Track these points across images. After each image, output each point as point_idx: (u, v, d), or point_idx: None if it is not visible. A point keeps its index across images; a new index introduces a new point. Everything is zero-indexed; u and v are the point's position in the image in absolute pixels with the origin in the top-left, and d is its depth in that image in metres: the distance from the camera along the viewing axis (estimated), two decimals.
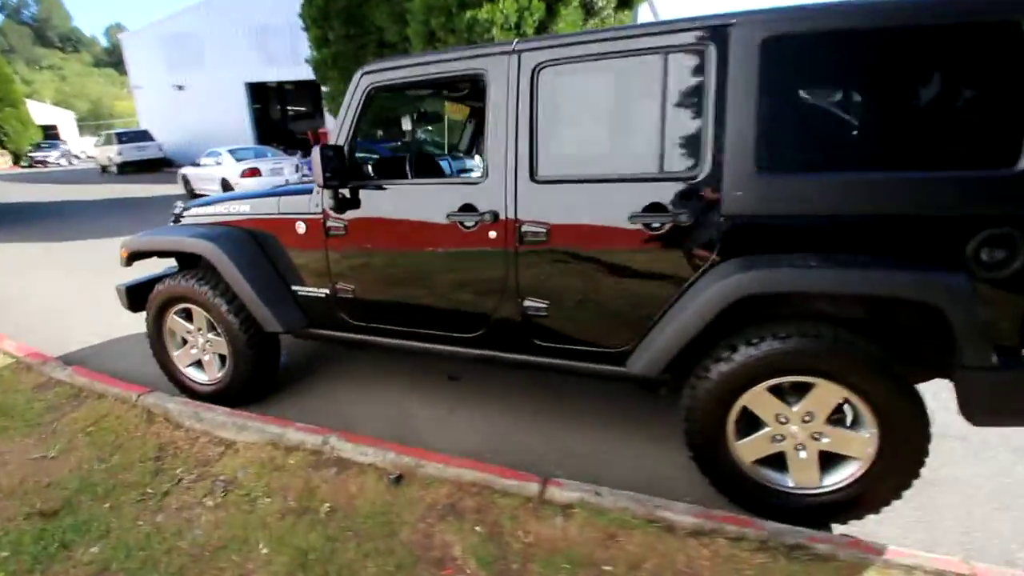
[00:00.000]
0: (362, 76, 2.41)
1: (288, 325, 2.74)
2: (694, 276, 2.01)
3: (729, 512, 2.01)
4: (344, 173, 2.41)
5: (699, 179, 1.94)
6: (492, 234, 2.25)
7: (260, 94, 22.94)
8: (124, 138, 21.10)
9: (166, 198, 13.00)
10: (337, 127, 2.46)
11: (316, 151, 2.29)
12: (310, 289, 2.73)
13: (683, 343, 1.99)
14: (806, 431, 1.99)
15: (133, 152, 20.78)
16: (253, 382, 2.91)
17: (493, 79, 2.18)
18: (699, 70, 1.90)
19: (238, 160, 12.22)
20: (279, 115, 26.39)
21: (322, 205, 2.57)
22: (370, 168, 2.67)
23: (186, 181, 13.38)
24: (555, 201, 2.15)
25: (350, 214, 2.51)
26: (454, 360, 2.57)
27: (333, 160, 2.33)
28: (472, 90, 3.02)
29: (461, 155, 3.85)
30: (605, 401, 2.99)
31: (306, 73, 16.11)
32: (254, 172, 11.64)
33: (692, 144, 1.95)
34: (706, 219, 1.95)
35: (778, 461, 2.07)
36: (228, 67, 21.05)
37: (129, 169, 20.65)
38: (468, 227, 2.28)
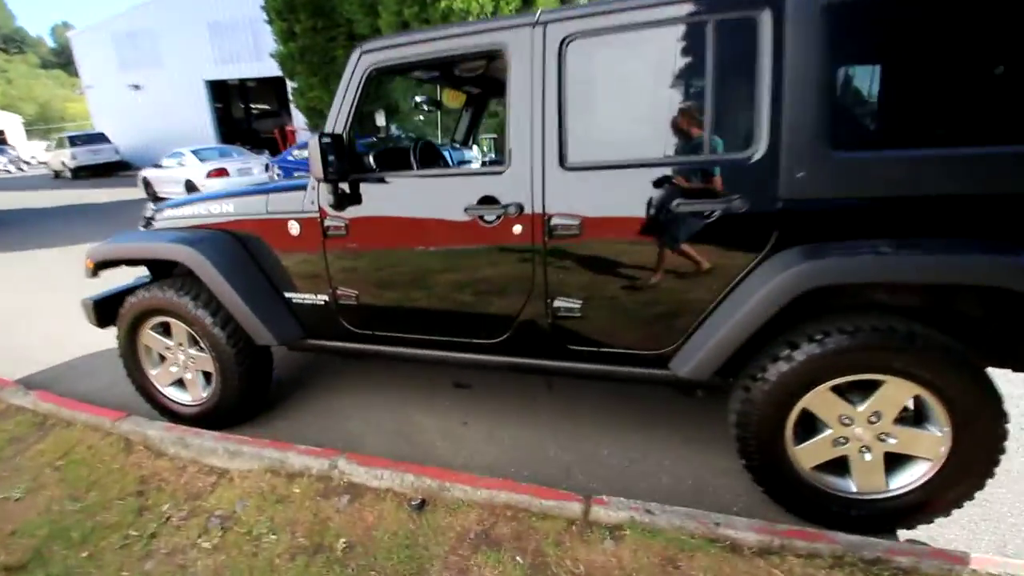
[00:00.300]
0: (361, 55, 2.14)
1: (282, 337, 2.47)
2: (747, 268, 1.83)
3: (793, 525, 1.84)
4: (344, 166, 2.14)
5: (754, 160, 1.75)
6: (517, 229, 2.02)
7: (221, 92, 22.06)
8: (77, 141, 20.00)
9: (125, 203, 12.31)
10: (333, 114, 2.19)
11: (313, 141, 2.02)
12: (306, 296, 2.45)
13: (739, 342, 1.81)
14: (872, 432, 1.83)
15: (88, 156, 19.71)
16: (243, 401, 2.63)
17: (515, 55, 1.94)
18: (752, 38, 1.71)
19: (203, 160, 11.64)
20: (242, 114, 25.47)
21: (318, 202, 2.30)
22: (371, 160, 2.41)
23: (147, 184, 12.71)
24: (588, 190, 1.94)
25: (352, 211, 2.25)
26: (472, 369, 2.34)
27: (332, 151, 2.07)
28: (485, 71, 2.75)
29: (458, 146, 3.60)
30: (627, 404, 2.80)
31: (270, 69, 15.56)
32: (221, 172, 11.09)
33: (745, 121, 1.76)
34: (762, 204, 1.76)
35: (838, 465, 1.92)
36: (187, 65, 20.16)
37: (84, 174, 19.60)
38: (489, 222, 2.05)
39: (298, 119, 15.62)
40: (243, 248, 2.49)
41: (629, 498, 1.98)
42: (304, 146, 10.10)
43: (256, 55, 18.19)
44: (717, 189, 1.80)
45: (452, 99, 3.30)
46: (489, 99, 3.61)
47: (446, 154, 3.28)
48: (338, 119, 2.18)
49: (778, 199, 1.75)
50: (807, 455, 1.90)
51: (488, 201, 2.04)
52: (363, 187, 2.22)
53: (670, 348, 2.01)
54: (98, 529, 2.02)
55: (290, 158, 10.48)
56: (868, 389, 1.80)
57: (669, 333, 1.99)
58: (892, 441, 1.82)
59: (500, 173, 2.03)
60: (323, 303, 2.42)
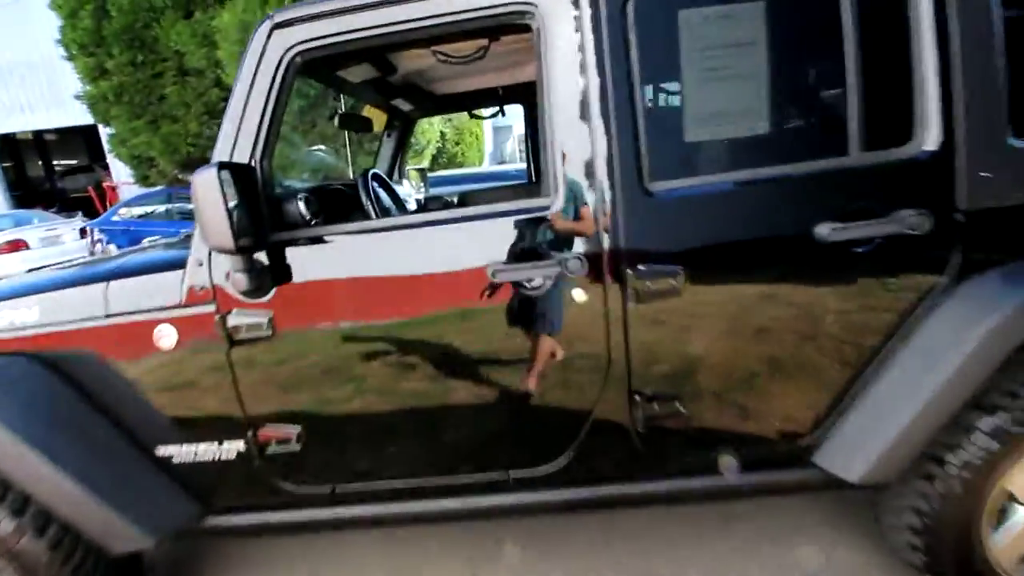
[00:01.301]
0: (272, 31, 1.24)
1: (160, 525, 1.40)
2: (922, 310, 1.27)
3: None
4: (262, 220, 1.22)
5: (920, 159, 1.21)
6: (577, 295, 1.27)
7: (11, 149, 18.13)
8: None
9: None
10: (228, 135, 1.26)
11: (204, 177, 1.07)
12: (201, 448, 1.42)
13: (945, 418, 1.23)
14: None
15: None
16: None
17: (551, 22, 1.21)
18: None
19: None
20: (42, 172, 21.20)
21: (212, 286, 1.32)
22: (302, 206, 1.46)
23: None
24: (685, 222, 1.26)
25: (280, 297, 1.31)
26: (512, 516, 1.50)
27: (239, 196, 1.14)
28: (485, 53, 1.82)
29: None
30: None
31: (74, 117, 12.90)
32: (17, 245, 8.64)
33: (904, 104, 1.22)
34: (939, 219, 1.22)
35: None
36: None
37: None
38: (532, 288, 1.27)
39: (119, 172, 13.11)
40: (64, 382, 1.40)
41: None
42: (134, 202, 8.24)
43: (54, 101, 15.11)
44: (879, 203, 1.23)
45: (376, 118, 2.45)
46: (420, 118, 2.82)
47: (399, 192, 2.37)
48: (239, 141, 1.25)
49: (958, 210, 1.23)
50: (1008, 545, 1.38)
51: (528, 255, 1.26)
52: (297, 253, 1.30)
53: (811, 438, 1.38)
54: None
55: (116, 218, 8.50)
56: None
57: (810, 418, 1.37)
58: None
59: (543, 210, 1.26)
60: (236, 455, 1.41)
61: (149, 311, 1.36)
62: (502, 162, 18.75)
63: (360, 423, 1.40)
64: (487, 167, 15.57)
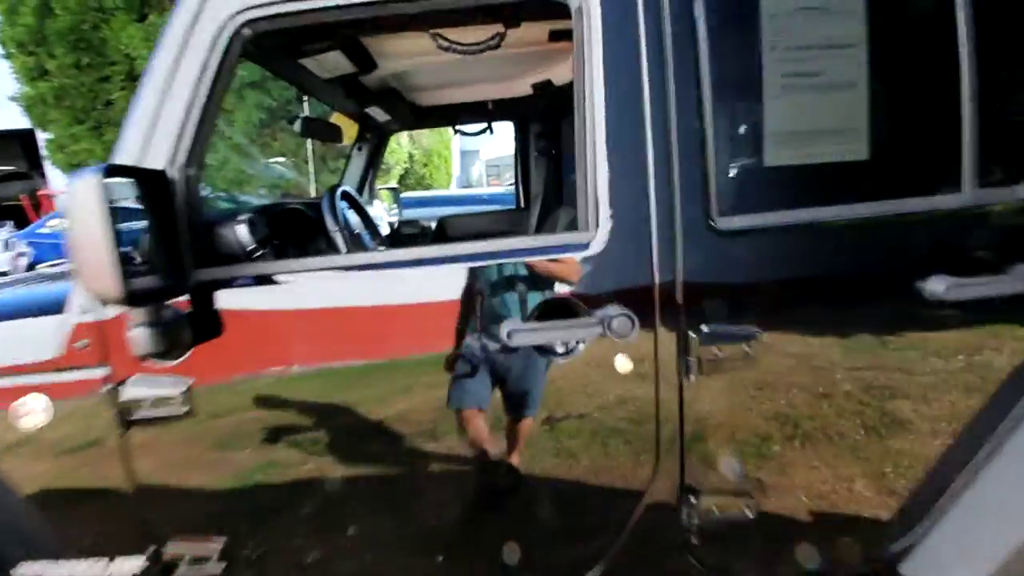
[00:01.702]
0: None
1: None
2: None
3: None
4: (179, 253, 0.85)
5: None
6: (621, 363, 0.94)
7: None
8: None
9: None
10: (137, 129, 0.90)
11: (82, 184, 0.70)
12: (81, 568, 1.00)
13: None
14: None
15: None
16: None
17: (597, 4, 0.91)
18: None
19: None
20: None
21: (102, 339, 0.93)
22: (244, 230, 1.08)
23: None
24: (763, 270, 0.96)
25: (205, 358, 0.92)
26: None
27: (149, 216, 0.77)
28: (500, 42, 1.42)
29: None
30: None
31: (9, 119, 11.97)
32: None
33: None
34: None
35: None
36: None
37: None
38: (563, 352, 0.94)
39: (57, 180, 12.18)
40: None
41: None
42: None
43: None
44: (997, 253, 0.97)
45: (346, 128, 2.09)
46: (396, 131, 2.47)
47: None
48: (155, 139, 0.88)
49: None
50: None
51: (557, 310, 0.93)
52: (233, 298, 0.93)
53: (901, 542, 1.09)
54: None
55: (44, 230, 7.76)
56: None
57: (901, 516, 1.07)
58: None
59: (580, 247, 0.93)
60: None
61: (10, 373, 0.95)
62: (467, 186, 18.63)
63: (312, 531, 1.02)
64: (455, 190, 15.31)
